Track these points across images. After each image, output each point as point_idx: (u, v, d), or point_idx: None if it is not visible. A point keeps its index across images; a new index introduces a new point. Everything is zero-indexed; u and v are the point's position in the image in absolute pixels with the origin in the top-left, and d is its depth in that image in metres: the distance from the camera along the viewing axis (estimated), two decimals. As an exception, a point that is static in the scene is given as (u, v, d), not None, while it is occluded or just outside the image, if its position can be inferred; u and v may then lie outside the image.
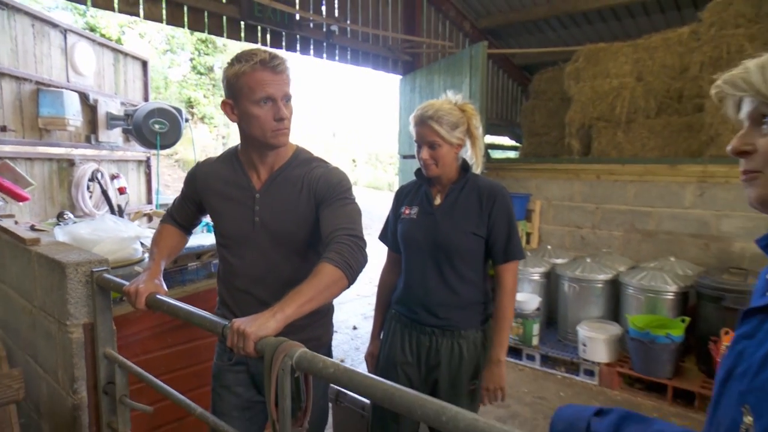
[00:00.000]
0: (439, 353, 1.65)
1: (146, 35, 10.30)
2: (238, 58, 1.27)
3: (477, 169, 1.67)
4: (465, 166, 1.68)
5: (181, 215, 1.55)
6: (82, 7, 6.89)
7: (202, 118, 11.21)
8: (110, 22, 9.19)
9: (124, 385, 1.46)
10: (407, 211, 1.72)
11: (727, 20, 3.72)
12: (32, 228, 2.22)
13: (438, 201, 1.68)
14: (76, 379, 1.57)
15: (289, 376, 0.92)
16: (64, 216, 2.32)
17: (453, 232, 1.61)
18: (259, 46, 1.29)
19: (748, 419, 0.59)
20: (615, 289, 3.63)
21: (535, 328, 3.69)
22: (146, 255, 2.03)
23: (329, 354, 1.54)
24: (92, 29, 9.00)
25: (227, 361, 1.46)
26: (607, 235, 4.30)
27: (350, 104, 18.14)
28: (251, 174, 1.39)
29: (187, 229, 1.60)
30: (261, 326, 1.02)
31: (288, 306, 1.07)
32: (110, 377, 1.48)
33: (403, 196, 1.78)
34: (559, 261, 4.16)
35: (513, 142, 8.47)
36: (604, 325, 3.48)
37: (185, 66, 11.34)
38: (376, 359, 1.85)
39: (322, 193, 1.33)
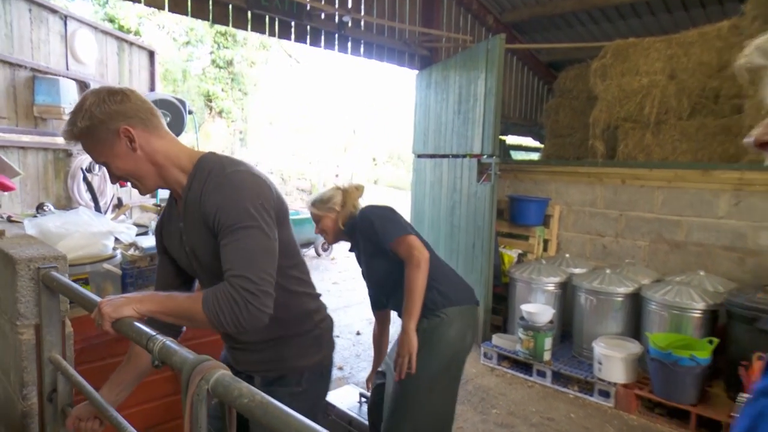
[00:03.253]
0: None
1: (165, 27, 10.41)
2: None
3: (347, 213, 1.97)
4: (350, 224, 1.97)
5: (160, 285, 1.39)
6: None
7: (219, 113, 11.28)
8: (129, 12, 9.31)
9: (68, 393, 1.37)
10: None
11: (773, 13, 3.44)
12: (9, 219, 2.16)
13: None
14: (25, 384, 1.49)
15: (204, 402, 0.82)
16: (44, 207, 2.26)
17: (372, 266, 1.98)
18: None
19: None
20: (636, 303, 3.41)
21: (547, 342, 3.49)
22: (119, 252, 1.95)
23: (305, 380, 1.40)
24: (111, 20, 9.13)
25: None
26: (631, 244, 4.06)
27: (372, 100, 18.01)
28: (179, 202, 1.29)
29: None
30: (116, 308, 1.08)
31: (147, 303, 1.12)
32: (54, 384, 1.38)
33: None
34: (576, 271, 3.96)
35: (537, 143, 8.21)
36: (623, 343, 3.26)
37: (205, 59, 11.43)
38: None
39: (213, 218, 1.14)
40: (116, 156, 1.17)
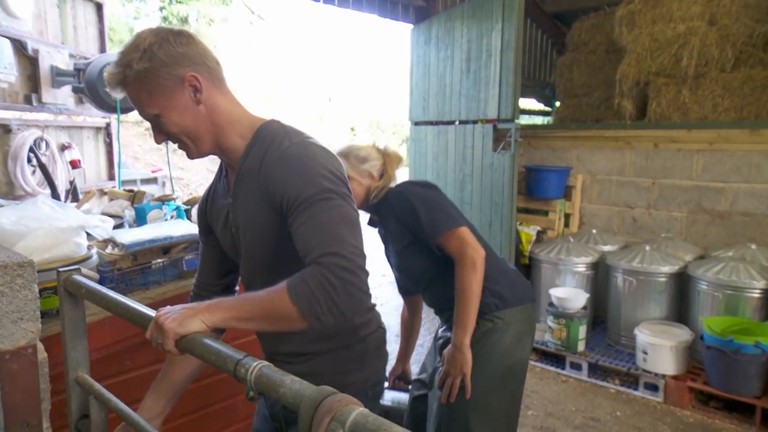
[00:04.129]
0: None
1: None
2: None
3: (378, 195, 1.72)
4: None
5: (204, 273, 1.38)
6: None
7: (175, 79, 10.76)
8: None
9: (103, 420, 1.22)
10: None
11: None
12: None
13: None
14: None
15: None
16: (-12, 198, 1.98)
17: (401, 259, 1.77)
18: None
19: None
20: (681, 283, 3.33)
21: (582, 331, 3.39)
22: (94, 251, 1.70)
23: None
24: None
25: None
26: (666, 216, 3.97)
27: (349, 64, 17.53)
28: (230, 174, 1.22)
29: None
30: (181, 322, 0.92)
31: (217, 313, 0.96)
32: (84, 410, 1.27)
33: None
34: (607, 248, 3.86)
35: (541, 106, 8.07)
36: (670, 329, 3.18)
37: (154, 16, 10.83)
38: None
39: (281, 194, 1.05)
40: (174, 108, 1.07)
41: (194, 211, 2.34)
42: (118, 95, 1.10)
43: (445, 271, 1.65)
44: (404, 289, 1.98)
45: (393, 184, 1.75)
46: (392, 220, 1.72)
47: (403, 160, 1.80)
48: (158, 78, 1.04)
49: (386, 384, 1.84)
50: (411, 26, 5.20)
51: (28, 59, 3.20)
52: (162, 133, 1.11)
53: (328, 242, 0.96)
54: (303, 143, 1.09)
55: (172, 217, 2.13)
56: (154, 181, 4.84)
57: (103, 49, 4.04)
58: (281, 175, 1.05)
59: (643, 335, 3.11)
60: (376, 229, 1.87)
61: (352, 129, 15.65)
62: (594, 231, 4.10)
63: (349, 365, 1.27)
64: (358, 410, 0.68)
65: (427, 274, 1.74)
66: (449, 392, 1.62)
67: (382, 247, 1.88)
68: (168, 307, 0.96)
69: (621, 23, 4.21)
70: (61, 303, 1.26)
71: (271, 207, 1.08)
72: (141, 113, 1.11)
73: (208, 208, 1.31)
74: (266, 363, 0.80)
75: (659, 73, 3.98)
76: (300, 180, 1.03)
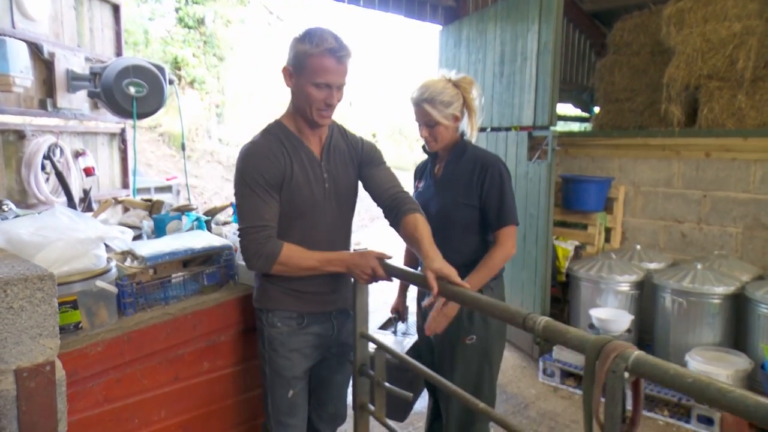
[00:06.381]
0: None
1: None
2: (310, 38, 1.60)
3: (472, 138, 2.09)
4: (461, 137, 2.09)
5: (275, 223, 1.69)
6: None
7: (191, 83, 10.94)
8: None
9: (381, 367, 1.94)
10: (418, 185, 2.24)
11: None
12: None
13: (437, 172, 2.15)
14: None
15: (622, 379, 1.00)
16: (2, 207, 2.03)
17: (447, 203, 2.06)
18: (324, 28, 1.70)
19: None
20: (738, 306, 3.25)
21: (626, 356, 3.32)
22: (113, 263, 1.72)
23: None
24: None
25: (296, 326, 1.79)
26: (719, 231, 3.89)
27: (371, 67, 17.67)
28: (308, 144, 1.75)
29: None
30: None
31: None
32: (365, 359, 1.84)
33: (418, 172, 2.28)
34: (653, 266, 3.79)
35: (578, 111, 8.00)
36: (725, 356, 3.09)
37: (170, 18, 11.07)
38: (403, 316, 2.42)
39: (369, 153, 1.86)
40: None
41: (213, 223, 2.37)
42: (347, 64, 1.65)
43: (471, 235, 2.05)
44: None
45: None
46: (469, 173, 2.02)
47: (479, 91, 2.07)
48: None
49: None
50: (440, 27, 5.23)
51: (43, 63, 3.30)
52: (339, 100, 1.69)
53: (401, 186, 1.90)
54: None
55: (193, 227, 2.16)
56: (168, 189, 4.93)
57: (119, 52, 4.15)
58: (369, 145, 1.94)
59: (695, 362, 3.03)
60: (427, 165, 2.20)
61: (374, 135, 15.72)
62: (638, 247, 4.03)
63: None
64: (638, 351, 1.00)
65: (457, 229, 2.05)
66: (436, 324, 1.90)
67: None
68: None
69: (669, 22, 4.16)
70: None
71: (359, 161, 1.88)
72: (340, 82, 1.65)
73: (287, 160, 1.71)
74: (548, 318, 1.17)
75: (712, 76, 3.92)
76: (376, 149, 1.96)
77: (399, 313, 2.44)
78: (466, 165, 2.04)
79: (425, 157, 2.25)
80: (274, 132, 1.73)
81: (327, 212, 1.75)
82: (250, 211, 1.64)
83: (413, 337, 2.40)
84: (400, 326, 2.49)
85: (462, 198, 2.03)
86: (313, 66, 1.59)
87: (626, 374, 0.99)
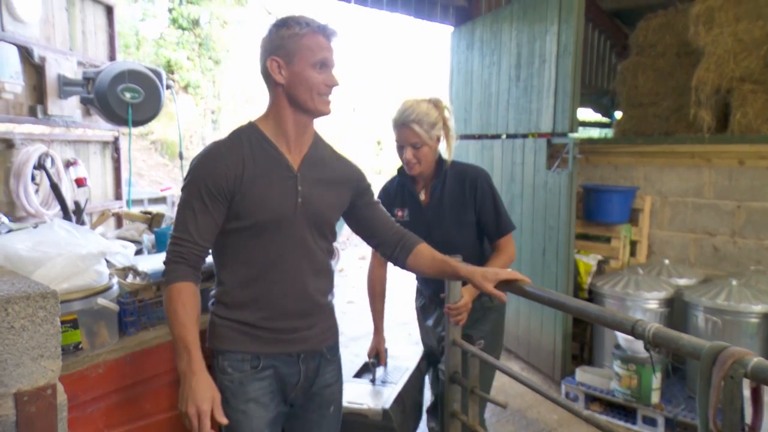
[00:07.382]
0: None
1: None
2: (293, 21, 1.57)
3: (449, 158, 2.21)
4: (440, 159, 2.21)
5: (203, 241, 1.57)
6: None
7: (185, 87, 11.05)
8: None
9: (475, 376, 1.97)
10: (400, 213, 2.26)
11: None
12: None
13: (423, 198, 2.25)
14: None
15: (740, 386, 1.08)
16: (-4, 220, 2.05)
17: (447, 226, 2.18)
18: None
19: None
20: (777, 325, 3.23)
21: (656, 380, 3.31)
22: (115, 280, 1.74)
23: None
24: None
25: (250, 369, 1.62)
26: (755, 245, 3.88)
27: (376, 71, 17.79)
28: (284, 152, 1.65)
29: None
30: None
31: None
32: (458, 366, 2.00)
33: (393, 198, 2.30)
34: (683, 282, 3.78)
35: (598, 116, 8.04)
36: (764, 378, 3.07)
37: (163, 18, 11.19)
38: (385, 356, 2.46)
39: (364, 186, 1.81)
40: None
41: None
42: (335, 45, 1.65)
43: (472, 250, 2.19)
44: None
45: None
46: (460, 191, 2.18)
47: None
48: None
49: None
50: (451, 29, 5.28)
51: (34, 67, 3.34)
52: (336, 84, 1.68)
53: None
54: None
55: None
56: (163, 200, 4.96)
57: (113, 56, 4.20)
58: (362, 175, 1.86)
59: (731, 386, 3.01)
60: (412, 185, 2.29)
61: (379, 143, 15.79)
62: (666, 261, 4.03)
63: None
64: (758, 357, 1.08)
65: (459, 249, 2.05)
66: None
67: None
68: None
69: (697, 22, 4.18)
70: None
71: (353, 190, 1.81)
72: (335, 61, 1.63)
73: (247, 167, 1.61)
74: (657, 324, 1.32)
75: (745, 79, 3.94)
76: (367, 181, 1.87)
77: (378, 356, 2.41)
78: (454, 184, 2.18)
79: (387, 179, 2.37)
80: (244, 134, 1.63)
81: (296, 231, 1.62)
82: (180, 220, 1.56)
83: (393, 386, 2.32)
84: (379, 372, 2.39)
85: (462, 216, 2.18)
86: (308, 45, 1.56)
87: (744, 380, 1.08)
